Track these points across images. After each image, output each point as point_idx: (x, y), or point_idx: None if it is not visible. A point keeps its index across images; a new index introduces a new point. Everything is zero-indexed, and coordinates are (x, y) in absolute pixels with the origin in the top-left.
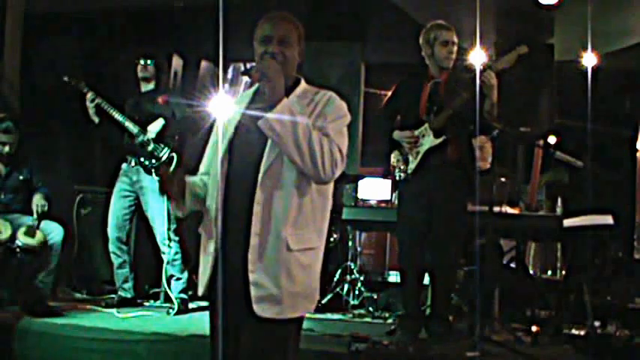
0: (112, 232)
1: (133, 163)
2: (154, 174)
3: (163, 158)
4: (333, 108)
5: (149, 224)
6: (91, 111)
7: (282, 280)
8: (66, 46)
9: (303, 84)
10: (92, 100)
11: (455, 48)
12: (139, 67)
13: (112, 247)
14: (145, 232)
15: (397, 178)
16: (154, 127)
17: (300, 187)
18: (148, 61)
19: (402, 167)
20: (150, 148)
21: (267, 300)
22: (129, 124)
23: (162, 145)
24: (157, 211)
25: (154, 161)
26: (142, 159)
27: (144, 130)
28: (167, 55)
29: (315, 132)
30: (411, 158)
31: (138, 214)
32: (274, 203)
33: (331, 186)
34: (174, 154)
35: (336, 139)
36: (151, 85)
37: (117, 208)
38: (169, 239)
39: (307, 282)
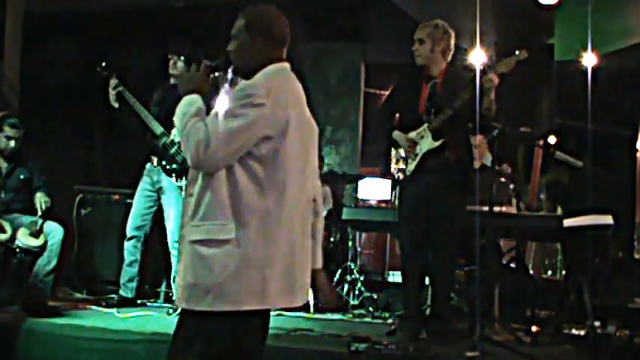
0: (130, 230)
1: (155, 163)
2: (173, 177)
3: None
4: (236, 92)
5: (158, 225)
6: (112, 97)
7: (184, 271)
8: (65, 45)
9: (256, 76)
10: (115, 87)
11: (417, 45)
12: (170, 64)
13: (127, 245)
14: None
15: (396, 178)
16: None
17: (206, 178)
18: (178, 58)
19: (400, 167)
20: (172, 151)
21: (179, 288)
22: (153, 124)
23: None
24: (173, 212)
25: (174, 165)
26: (163, 162)
27: (167, 132)
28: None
29: (194, 120)
30: (409, 160)
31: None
32: (191, 194)
33: (260, 178)
34: None
35: (212, 125)
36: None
37: (139, 207)
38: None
39: (205, 274)
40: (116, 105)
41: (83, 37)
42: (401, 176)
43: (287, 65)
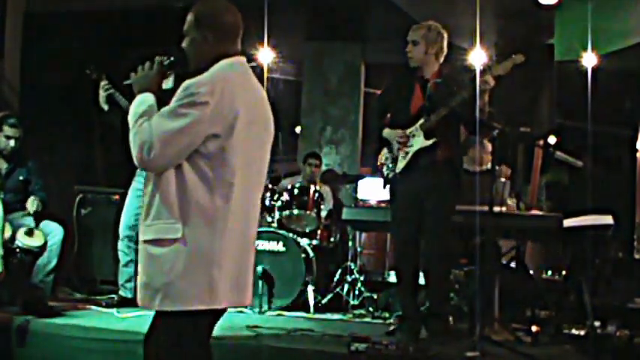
0: (123, 230)
1: None
2: None
3: None
4: (179, 91)
5: None
6: (102, 99)
7: (139, 271)
8: (65, 45)
9: (203, 74)
10: (105, 89)
11: (410, 46)
12: None
13: (120, 245)
14: None
15: (385, 175)
16: None
17: (155, 179)
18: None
19: (390, 166)
20: None
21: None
22: None
23: None
24: None
25: None
26: None
27: None
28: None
29: (141, 120)
30: (400, 157)
31: None
32: (146, 193)
33: (206, 174)
34: None
35: (156, 126)
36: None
37: (132, 206)
38: None
39: (155, 274)
40: (105, 107)
41: (83, 37)
42: (390, 174)
43: (240, 59)
